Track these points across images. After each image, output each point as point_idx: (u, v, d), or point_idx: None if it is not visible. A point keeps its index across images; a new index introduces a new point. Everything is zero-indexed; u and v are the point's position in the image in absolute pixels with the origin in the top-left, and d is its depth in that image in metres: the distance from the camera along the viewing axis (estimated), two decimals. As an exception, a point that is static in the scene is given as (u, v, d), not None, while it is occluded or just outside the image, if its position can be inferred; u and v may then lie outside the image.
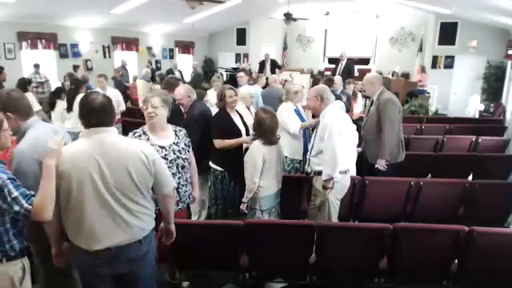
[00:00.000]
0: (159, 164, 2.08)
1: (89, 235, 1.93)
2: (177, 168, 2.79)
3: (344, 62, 10.18)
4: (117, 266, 2.02)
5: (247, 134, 3.65)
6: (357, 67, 13.59)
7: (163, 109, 2.68)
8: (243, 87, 4.96)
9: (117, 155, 1.93)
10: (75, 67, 9.09)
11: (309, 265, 2.80)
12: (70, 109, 4.97)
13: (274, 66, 11.45)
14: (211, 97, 5.24)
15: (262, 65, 11.51)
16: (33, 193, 1.89)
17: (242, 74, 6.18)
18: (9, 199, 1.85)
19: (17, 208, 1.85)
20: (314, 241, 2.72)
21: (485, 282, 2.85)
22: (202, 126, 3.56)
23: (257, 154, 3.04)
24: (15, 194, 1.85)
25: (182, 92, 3.82)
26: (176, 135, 2.82)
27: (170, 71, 10.40)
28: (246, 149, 3.41)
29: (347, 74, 9.96)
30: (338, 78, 6.73)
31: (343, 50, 10.55)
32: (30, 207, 1.84)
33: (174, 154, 2.76)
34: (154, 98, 2.68)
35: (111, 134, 1.97)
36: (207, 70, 13.23)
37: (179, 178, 2.82)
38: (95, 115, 1.92)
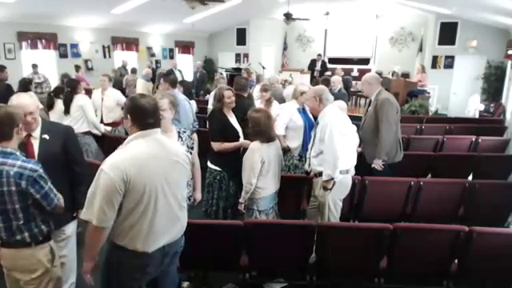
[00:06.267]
0: None
1: (155, 237, 1.93)
2: None
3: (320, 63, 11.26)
4: (165, 262, 2.06)
5: (244, 134, 3.65)
6: (357, 67, 13.64)
7: (170, 111, 2.70)
8: (289, 87, 4.86)
9: (172, 154, 2.00)
10: (77, 67, 9.11)
11: (309, 265, 2.80)
12: (67, 111, 4.91)
13: (325, 67, 12.08)
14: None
15: (313, 63, 12.16)
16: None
17: (161, 81, 4.88)
18: (46, 188, 2.02)
19: (52, 195, 2.04)
20: (314, 241, 2.72)
21: (485, 282, 2.85)
22: None
23: (255, 156, 3.03)
24: (50, 184, 2.06)
25: None
26: (179, 137, 2.82)
27: (171, 71, 10.38)
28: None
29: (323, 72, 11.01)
30: (336, 78, 6.70)
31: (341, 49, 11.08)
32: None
33: None
34: (163, 99, 2.67)
35: (161, 135, 2.02)
36: (207, 70, 13.22)
37: None
38: (151, 116, 1.94)
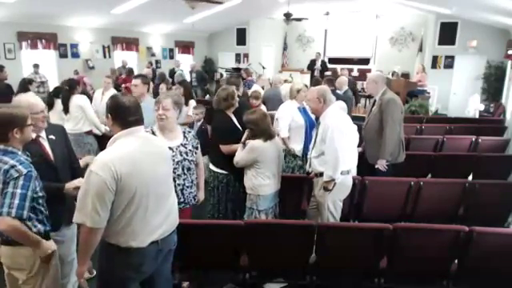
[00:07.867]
0: None
1: (147, 233, 1.96)
2: (182, 170, 2.79)
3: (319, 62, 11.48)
4: (159, 260, 2.07)
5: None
6: (357, 67, 13.63)
7: (174, 111, 2.70)
8: (284, 85, 4.88)
9: (159, 151, 2.06)
10: (76, 72, 9.09)
11: (309, 265, 2.80)
12: (66, 110, 4.91)
13: (325, 66, 12.14)
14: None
15: (312, 63, 12.17)
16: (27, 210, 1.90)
17: (138, 81, 4.27)
18: (10, 190, 1.85)
19: (6, 201, 1.83)
20: (313, 241, 2.73)
21: (485, 282, 2.85)
22: None
23: (251, 154, 3.06)
24: (18, 191, 1.86)
25: None
26: (184, 137, 2.83)
27: (173, 71, 10.39)
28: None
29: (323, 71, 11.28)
30: (340, 78, 6.66)
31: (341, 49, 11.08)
32: (13, 218, 1.83)
33: (181, 155, 2.77)
34: (166, 99, 2.67)
35: (144, 132, 2.06)
36: (207, 71, 13.22)
37: (184, 180, 2.82)
38: (133, 114, 1.95)
